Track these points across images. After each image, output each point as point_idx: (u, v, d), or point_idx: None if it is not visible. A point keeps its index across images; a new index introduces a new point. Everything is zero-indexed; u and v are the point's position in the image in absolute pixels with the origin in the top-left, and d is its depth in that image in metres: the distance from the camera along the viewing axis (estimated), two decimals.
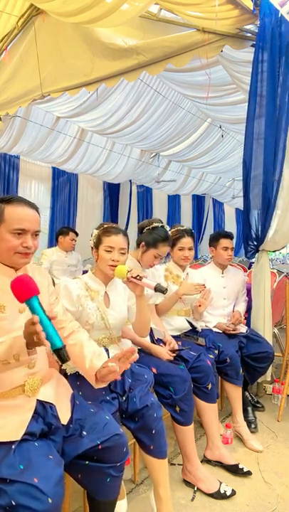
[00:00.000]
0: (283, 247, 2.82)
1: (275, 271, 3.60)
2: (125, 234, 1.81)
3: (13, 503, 1.02)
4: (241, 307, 2.80)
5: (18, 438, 1.17)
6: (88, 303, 1.72)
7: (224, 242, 2.67)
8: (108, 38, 2.83)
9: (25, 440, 1.18)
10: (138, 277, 1.63)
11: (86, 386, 1.60)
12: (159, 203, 9.26)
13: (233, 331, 2.56)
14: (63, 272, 4.24)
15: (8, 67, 3.30)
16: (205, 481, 1.90)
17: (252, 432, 2.39)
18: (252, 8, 2.44)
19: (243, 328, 2.64)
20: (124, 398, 1.60)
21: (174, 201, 9.79)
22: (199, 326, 2.52)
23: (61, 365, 1.73)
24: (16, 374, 1.27)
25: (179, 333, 2.41)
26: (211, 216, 10.94)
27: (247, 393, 2.66)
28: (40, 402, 1.30)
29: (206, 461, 2.11)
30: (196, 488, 1.91)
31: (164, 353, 2.02)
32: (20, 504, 1.02)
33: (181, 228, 2.48)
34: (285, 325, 3.37)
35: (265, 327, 2.68)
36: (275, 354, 2.60)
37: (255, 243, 2.68)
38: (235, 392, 2.39)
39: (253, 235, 2.66)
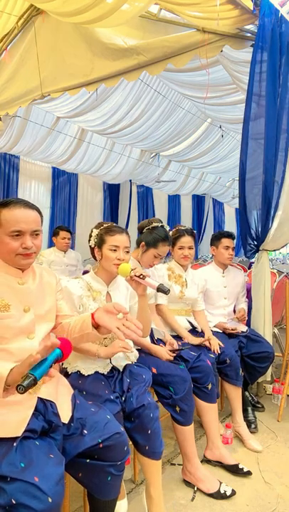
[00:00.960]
0: (283, 247, 2.82)
1: (275, 271, 3.60)
2: (127, 233, 1.82)
3: (13, 502, 1.02)
4: (243, 306, 2.81)
5: (19, 434, 1.17)
6: (90, 303, 1.73)
7: (226, 242, 2.68)
8: (108, 38, 2.83)
9: (26, 438, 1.18)
10: (141, 276, 1.63)
11: (88, 385, 1.61)
12: (159, 203, 9.27)
13: (233, 330, 2.56)
14: (62, 271, 4.23)
15: (8, 67, 3.30)
16: (205, 481, 1.90)
17: (252, 432, 2.39)
18: (252, 8, 2.44)
19: (243, 328, 2.64)
20: (123, 398, 1.60)
21: (174, 201, 9.80)
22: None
23: (62, 364, 1.74)
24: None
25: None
26: (211, 216, 10.95)
27: (247, 393, 2.66)
28: (40, 400, 1.30)
29: (206, 461, 2.11)
30: (196, 488, 1.91)
31: (164, 353, 2.01)
32: (20, 503, 1.02)
33: (182, 228, 2.50)
34: (285, 325, 3.37)
35: (265, 327, 2.68)
36: (275, 354, 2.60)
37: (255, 242, 2.68)
38: (234, 393, 2.39)
39: (253, 235, 2.67)
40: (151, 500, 1.64)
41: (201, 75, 3.68)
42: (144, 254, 2.18)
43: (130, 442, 1.59)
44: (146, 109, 5.47)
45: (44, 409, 1.29)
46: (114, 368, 1.73)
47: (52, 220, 6.82)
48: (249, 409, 2.56)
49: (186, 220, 10.14)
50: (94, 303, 1.73)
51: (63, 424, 1.30)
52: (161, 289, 1.63)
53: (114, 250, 1.74)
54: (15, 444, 1.15)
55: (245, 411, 2.50)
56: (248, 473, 2.02)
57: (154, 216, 8.04)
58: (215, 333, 2.51)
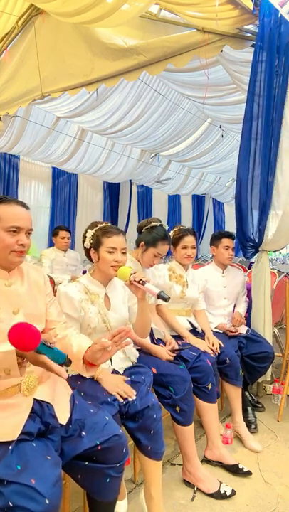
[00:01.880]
0: (283, 247, 2.82)
1: (275, 271, 3.60)
2: (123, 233, 1.79)
3: (10, 505, 1.02)
4: (242, 308, 2.80)
5: (15, 438, 1.16)
6: (89, 307, 1.70)
7: (226, 242, 2.68)
8: (108, 38, 2.83)
9: (22, 440, 1.17)
10: (141, 282, 1.59)
11: (87, 387, 1.60)
12: (159, 203, 9.27)
13: (234, 332, 2.56)
14: (63, 271, 4.24)
15: (8, 67, 3.30)
16: (205, 481, 1.90)
17: (252, 433, 2.39)
18: (252, 8, 2.44)
19: (243, 329, 2.64)
20: (123, 402, 1.59)
21: (174, 201, 9.80)
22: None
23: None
24: None
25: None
26: (211, 216, 10.95)
27: (247, 393, 2.66)
28: (37, 402, 1.29)
29: (206, 461, 2.11)
30: (196, 488, 1.91)
31: (164, 353, 2.01)
32: (17, 505, 1.01)
33: (184, 227, 2.50)
34: (285, 325, 3.37)
35: (265, 327, 2.68)
36: (275, 354, 2.60)
37: (254, 243, 2.68)
38: (234, 393, 2.39)
39: (252, 236, 2.66)
40: (151, 500, 1.64)
41: (201, 74, 3.68)
42: (144, 254, 2.17)
43: (130, 443, 1.59)
44: (146, 109, 5.46)
45: (41, 410, 1.28)
46: (114, 371, 1.73)
47: (52, 220, 6.83)
48: (249, 409, 2.56)
49: (186, 220, 10.14)
50: (93, 306, 1.71)
51: (61, 425, 1.29)
52: (162, 297, 1.59)
53: (112, 252, 1.70)
54: (10, 447, 1.14)
55: (245, 411, 2.50)
56: (248, 473, 2.02)
57: (153, 216, 8.04)
58: (215, 334, 2.51)
